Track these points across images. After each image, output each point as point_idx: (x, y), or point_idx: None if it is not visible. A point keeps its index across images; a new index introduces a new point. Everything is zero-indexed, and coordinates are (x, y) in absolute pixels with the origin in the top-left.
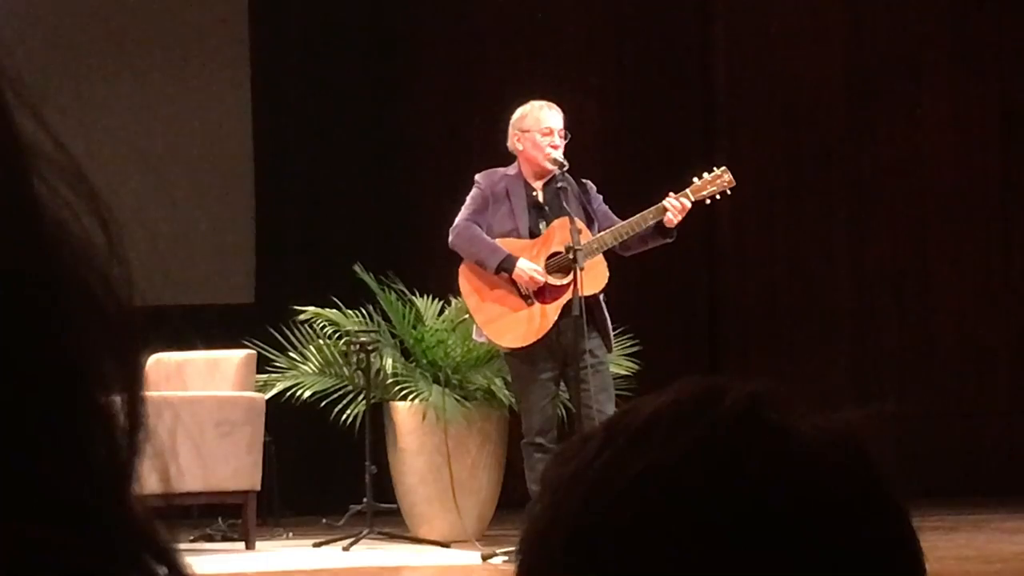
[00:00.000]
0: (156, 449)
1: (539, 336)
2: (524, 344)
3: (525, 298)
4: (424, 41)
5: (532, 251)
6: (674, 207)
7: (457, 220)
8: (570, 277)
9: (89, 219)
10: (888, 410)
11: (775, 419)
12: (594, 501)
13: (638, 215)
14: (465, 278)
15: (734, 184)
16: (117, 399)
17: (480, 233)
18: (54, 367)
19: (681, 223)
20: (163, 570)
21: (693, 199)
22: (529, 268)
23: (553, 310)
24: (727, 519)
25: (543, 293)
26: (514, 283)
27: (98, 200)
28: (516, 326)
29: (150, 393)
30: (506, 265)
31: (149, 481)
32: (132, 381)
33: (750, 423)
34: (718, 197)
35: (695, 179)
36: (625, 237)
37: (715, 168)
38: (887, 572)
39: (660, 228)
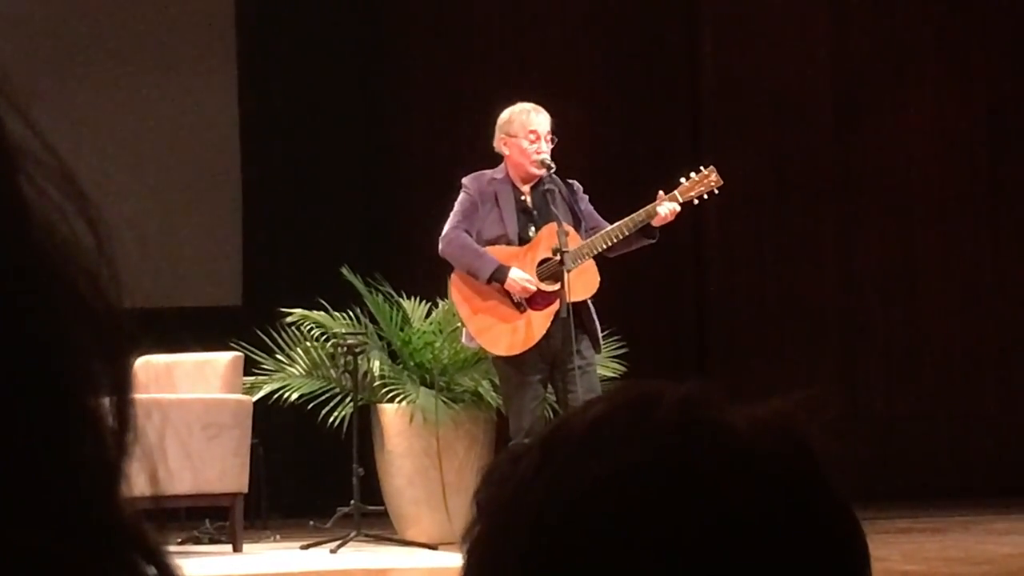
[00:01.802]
0: (144, 451)
1: (531, 344)
2: (517, 352)
3: (517, 306)
4: (411, 42)
5: (522, 258)
6: (665, 216)
7: (446, 229)
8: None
9: (77, 220)
10: (816, 393)
11: (712, 417)
12: (547, 518)
13: (627, 218)
14: (456, 287)
15: (721, 183)
16: (106, 401)
17: (470, 242)
18: (42, 368)
19: (667, 224)
20: (152, 571)
21: (681, 200)
22: (521, 278)
23: (545, 317)
24: (682, 521)
25: (535, 300)
26: (506, 292)
27: (86, 201)
28: (509, 335)
29: (138, 395)
30: (498, 275)
31: (138, 483)
32: (121, 382)
33: (689, 424)
34: (706, 197)
35: (682, 180)
36: (614, 241)
37: (702, 168)
38: (831, 548)
39: (644, 228)
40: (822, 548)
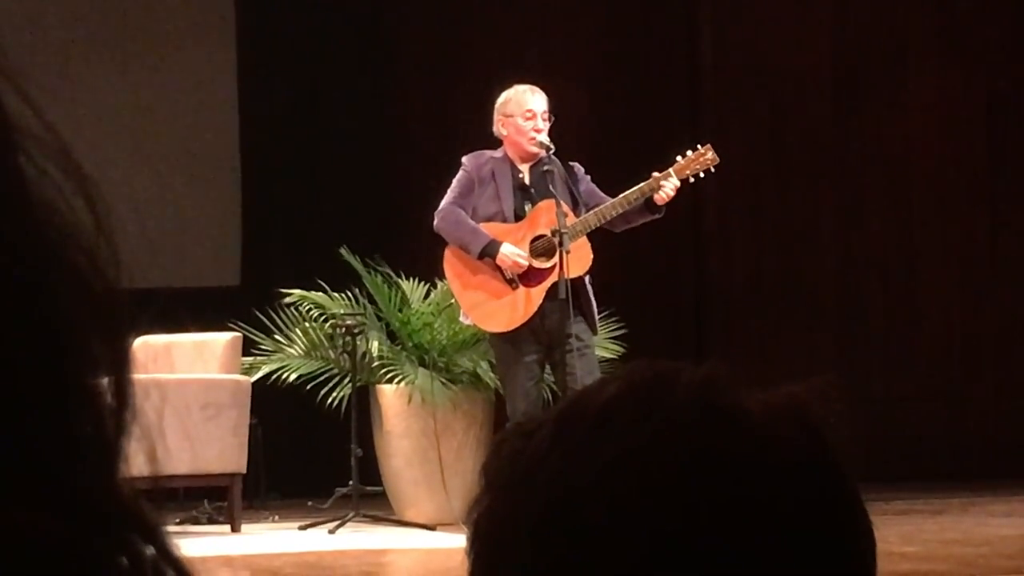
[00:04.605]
0: (143, 430)
1: (524, 320)
2: (509, 328)
3: (510, 282)
4: (410, 23)
5: (517, 234)
6: (668, 195)
7: (442, 204)
8: (554, 260)
9: (76, 199)
10: (830, 380)
11: (728, 400)
12: (560, 493)
13: (621, 196)
14: (449, 263)
15: (718, 162)
16: (105, 380)
17: (464, 217)
18: (41, 347)
19: (668, 202)
20: (150, 550)
21: (677, 178)
22: (512, 252)
23: (538, 294)
24: (695, 504)
25: (528, 276)
26: (498, 267)
27: (86, 180)
28: (501, 311)
29: (138, 375)
30: (489, 250)
31: (136, 462)
32: (120, 361)
33: (705, 408)
34: (702, 175)
35: (679, 158)
36: (609, 218)
37: (699, 146)
38: (840, 534)
39: (649, 205)
40: (831, 534)
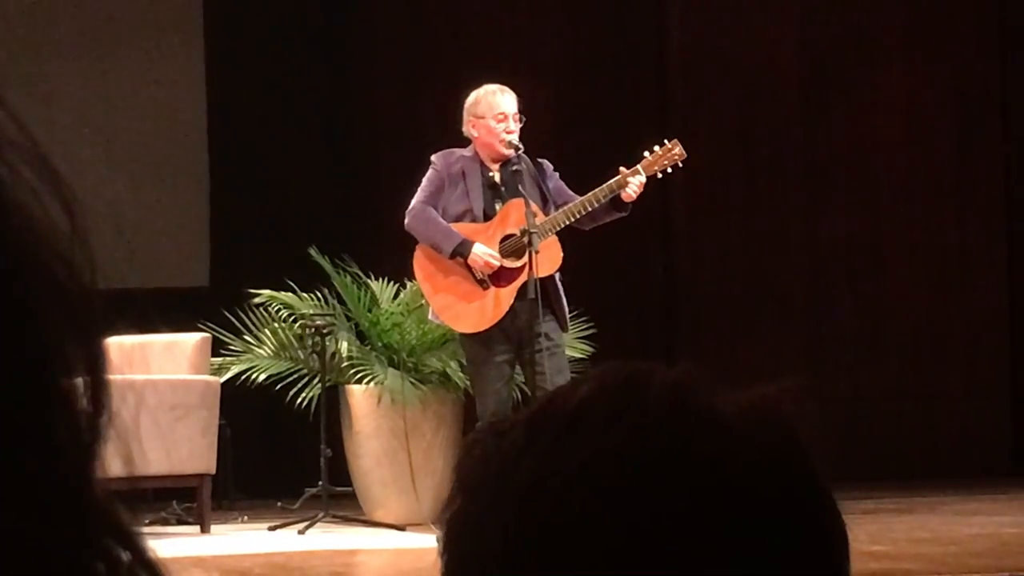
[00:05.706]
0: (119, 433)
1: (494, 321)
2: (480, 329)
3: (480, 282)
4: (379, 21)
5: (486, 233)
6: (635, 192)
7: (413, 202)
8: (524, 259)
9: (51, 202)
10: (801, 382)
11: (701, 401)
12: (534, 496)
13: (590, 194)
14: (419, 263)
15: (685, 157)
16: (80, 382)
17: (435, 216)
18: (16, 350)
19: (634, 199)
20: (125, 554)
21: (645, 174)
22: (484, 253)
23: (508, 293)
24: (669, 508)
25: (498, 276)
26: (469, 267)
27: (61, 182)
28: (472, 311)
29: (113, 376)
30: (461, 250)
31: (112, 464)
32: (95, 364)
33: (678, 410)
34: (669, 170)
35: (646, 154)
36: (578, 216)
37: (666, 141)
38: (815, 536)
39: (615, 202)
40: (807, 536)
